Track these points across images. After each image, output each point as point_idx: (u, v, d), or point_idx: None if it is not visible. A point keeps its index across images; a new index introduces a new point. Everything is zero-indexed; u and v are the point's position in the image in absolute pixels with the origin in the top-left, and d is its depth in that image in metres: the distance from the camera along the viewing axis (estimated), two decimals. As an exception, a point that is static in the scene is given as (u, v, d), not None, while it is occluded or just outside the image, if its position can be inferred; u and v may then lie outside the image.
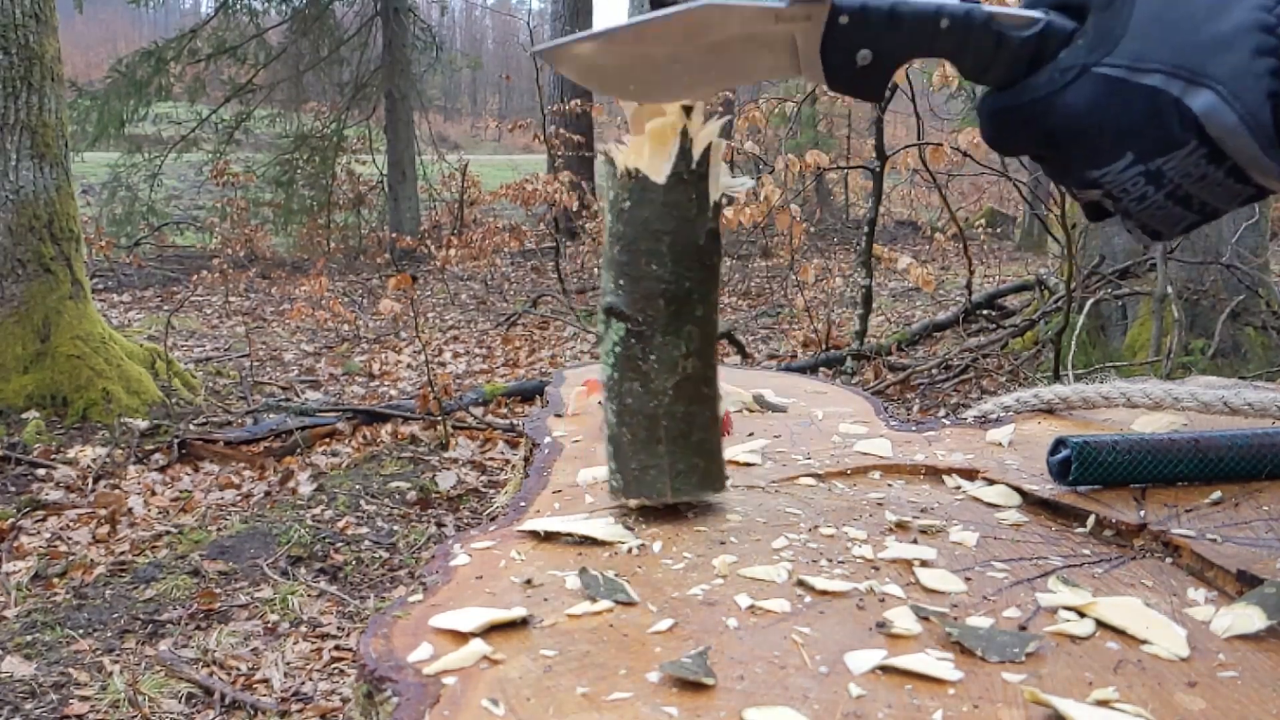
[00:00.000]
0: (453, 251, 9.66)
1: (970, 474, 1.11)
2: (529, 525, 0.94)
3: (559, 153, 11.13)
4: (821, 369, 5.51)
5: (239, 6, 11.57)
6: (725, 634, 0.72)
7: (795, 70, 0.82)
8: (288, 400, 5.31)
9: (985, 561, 0.87)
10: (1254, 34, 0.68)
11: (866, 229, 5.86)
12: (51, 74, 4.85)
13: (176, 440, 4.32)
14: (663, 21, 0.80)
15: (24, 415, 4.52)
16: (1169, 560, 0.88)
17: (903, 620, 0.73)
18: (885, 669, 0.66)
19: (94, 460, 4.12)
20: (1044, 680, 0.65)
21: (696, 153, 0.90)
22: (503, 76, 25.18)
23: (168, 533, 3.46)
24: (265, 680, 2.54)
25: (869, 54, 0.78)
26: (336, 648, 2.71)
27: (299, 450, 4.39)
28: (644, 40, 0.82)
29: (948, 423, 1.34)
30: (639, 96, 0.87)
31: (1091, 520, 0.97)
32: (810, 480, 1.10)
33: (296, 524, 3.47)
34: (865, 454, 1.19)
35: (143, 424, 4.53)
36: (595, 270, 11.28)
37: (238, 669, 2.59)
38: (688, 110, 0.89)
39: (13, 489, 3.84)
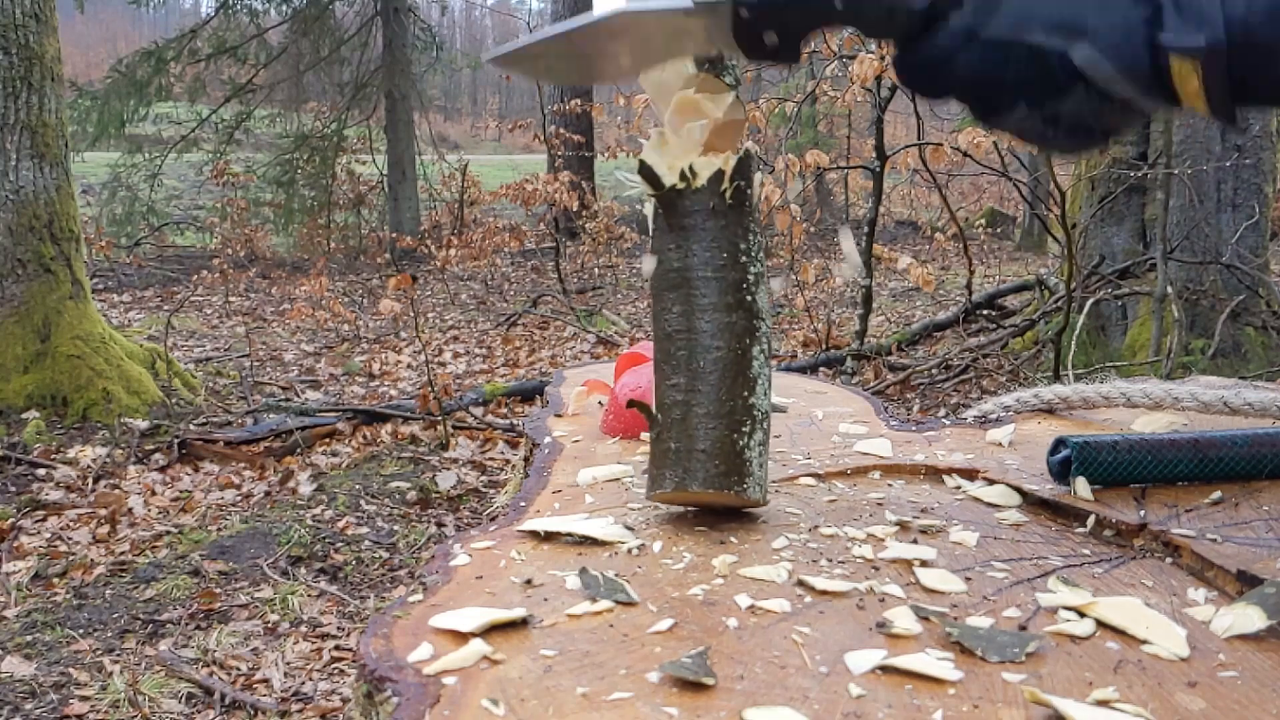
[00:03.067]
0: (453, 251, 9.65)
1: (970, 474, 1.11)
2: (529, 525, 0.94)
3: (559, 153, 11.13)
4: (821, 369, 5.51)
5: (239, 6, 11.57)
6: (725, 634, 0.72)
7: (713, 48, 0.90)
8: (288, 400, 5.31)
9: (985, 561, 0.87)
10: None
11: (866, 229, 5.86)
12: (51, 74, 4.85)
13: (176, 440, 4.32)
14: (586, 29, 0.91)
15: (24, 415, 4.52)
16: (1169, 560, 0.88)
17: (903, 620, 0.73)
18: (885, 669, 0.66)
19: (94, 460, 4.12)
20: (1044, 680, 0.65)
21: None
22: (503, 76, 25.19)
23: (168, 533, 3.46)
24: (265, 680, 2.54)
25: (774, 35, 0.85)
26: (336, 648, 2.71)
27: (299, 450, 4.39)
28: (573, 43, 0.93)
29: (948, 423, 1.34)
30: (583, 81, 1.01)
31: (1091, 520, 0.97)
32: (810, 480, 1.10)
33: (296, 524, 3.47)
34: (865, 454, 1.19)
35: (143, 424, 4.53)
36: (595, 270, 11.28)
37: (238, 669, 2.59)
38: None
39: (13, 489, 3.84)
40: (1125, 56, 0.71)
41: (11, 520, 3.51)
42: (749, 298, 0.94)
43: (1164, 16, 0.70)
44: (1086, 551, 0.90)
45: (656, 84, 0.97)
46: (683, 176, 0.94)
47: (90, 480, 3.95)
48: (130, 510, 3.65)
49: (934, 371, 5.42)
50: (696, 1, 0.85)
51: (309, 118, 12.87)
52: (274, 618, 2.86)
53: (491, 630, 0.72)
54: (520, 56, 0.95)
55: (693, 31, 0.88)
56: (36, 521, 3.54)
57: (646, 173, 0.95)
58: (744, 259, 0.95)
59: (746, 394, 0.94)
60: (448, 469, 4.19)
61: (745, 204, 0.95)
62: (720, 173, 0.93)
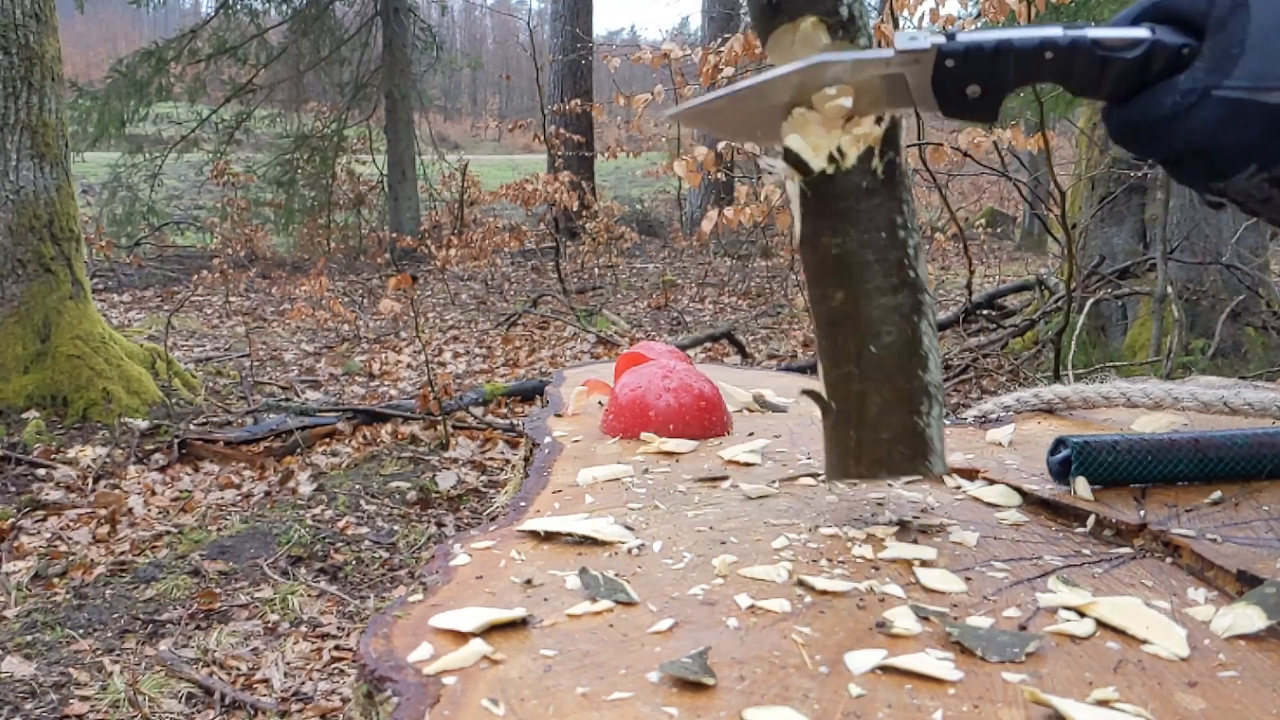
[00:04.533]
0: (453, 251, 9.66)
1: (970, 474, 1.11)
2: (529, 525, 0.94)
3: (559, 153, 11.15)
4: (821, 369, 5.49)
5: (239, 6, 11.57)
6: (725, 634, 0.72)
7: (909, 104, 0.86)
8: (288, 400, 5.31)
9: (985, 561, 0.87)
10: None
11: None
12: (51, 74, 4.85)
13: (176, 440, 4.32)
14: (782, 78, 0.87)
15: (24, 415, 4.52)
16: (1169, 560, 0.88)
17: (903, 620, 0.73)
18: (885, 669, 0.66)
19: (94, 460, 4.12)
20: (1044, 680, 0.65)
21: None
22: (503, 76, 25.17)
23: (168, 533, 3.46)
24: (265, 680, 2.54)
25: (978, 88, 0.82)
26: (336, 648, 2.71)
27: (299, 450, 4.38)
28: (765, 96, 0.88)
29: (948, 423, 1.34)
30: (766, 140, 0.93)
31: (1091, 520, 0.97)
32: (810, 480, 1.10)
33: (296, 524, 3.47)
34: (865, 454, 1.19)
35: (143, 424, 4.53)
36: (595, 270, 11.28)
37: (238, 669, 2.59)
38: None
39: (13, 489, 3.84)
40: None
41: (11, 520, 3.51)
42: (912, 273, 0.90)
43: None
44: (1086, 551, 0.90)
45: (786, 57, 0.92)
46: (830, 159, 0.89)
47: (90, 480, 3.95)
48: (130, 510, 3.65)
49: (934, 371, 5.41)
50: (899, 50, 0.82)
51: (309, 118, 12.88)
52: (274, 618, 2.86)
53: (491, 630, 0.72)
54: (705, 111, 0.91)
55: (889, 84, 0.84)
56: (36, 521, 3.54)
57: (793, 159, 0.89)
58: (902, 233, 0.90)
59: (921, 373, 0.90)
60: (448, 469, 4.19)
61: (897, 175, 0.90)
62: (870, 150, 0.89)
